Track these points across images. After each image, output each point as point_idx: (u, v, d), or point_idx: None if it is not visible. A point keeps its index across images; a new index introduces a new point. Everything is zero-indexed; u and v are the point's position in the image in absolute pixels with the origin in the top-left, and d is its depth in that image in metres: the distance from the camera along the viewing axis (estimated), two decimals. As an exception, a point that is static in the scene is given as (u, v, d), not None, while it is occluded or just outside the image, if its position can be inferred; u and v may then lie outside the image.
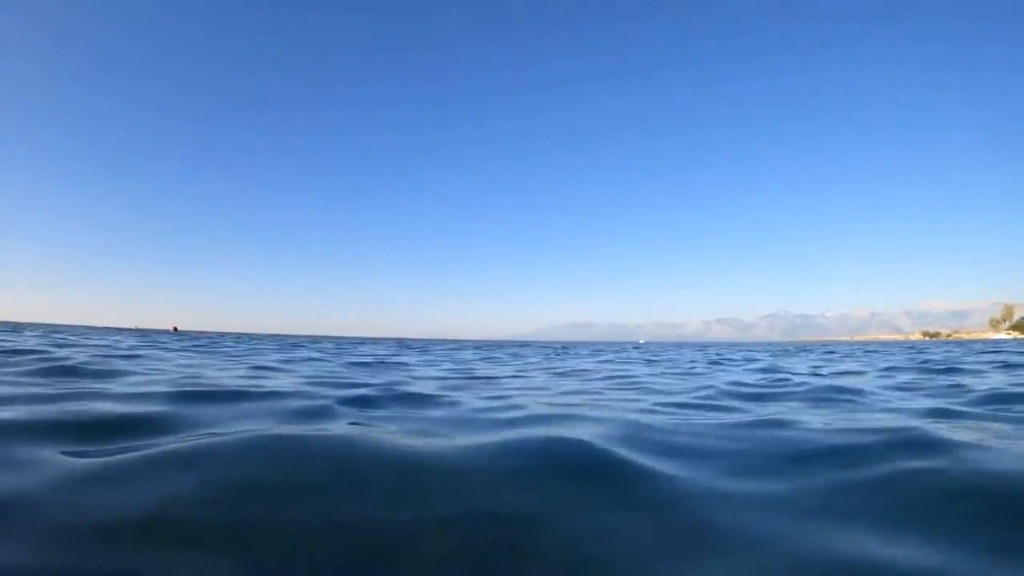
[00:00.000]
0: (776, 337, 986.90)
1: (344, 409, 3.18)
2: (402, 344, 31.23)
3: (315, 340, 35.55)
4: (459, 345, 33.87)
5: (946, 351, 17.96)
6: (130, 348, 10.07)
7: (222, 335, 47.49)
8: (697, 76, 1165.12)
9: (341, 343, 26.95)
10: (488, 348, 24.21)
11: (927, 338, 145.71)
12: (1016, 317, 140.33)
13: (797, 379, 5.87)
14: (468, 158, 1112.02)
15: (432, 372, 6.90)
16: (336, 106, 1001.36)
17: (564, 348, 26.60)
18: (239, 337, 37.03)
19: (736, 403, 3.87)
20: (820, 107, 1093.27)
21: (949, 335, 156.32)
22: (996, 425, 2.79)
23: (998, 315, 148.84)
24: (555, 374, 6.97)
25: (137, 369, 5.45)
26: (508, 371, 7.43)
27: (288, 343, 22.94)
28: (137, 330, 66.54)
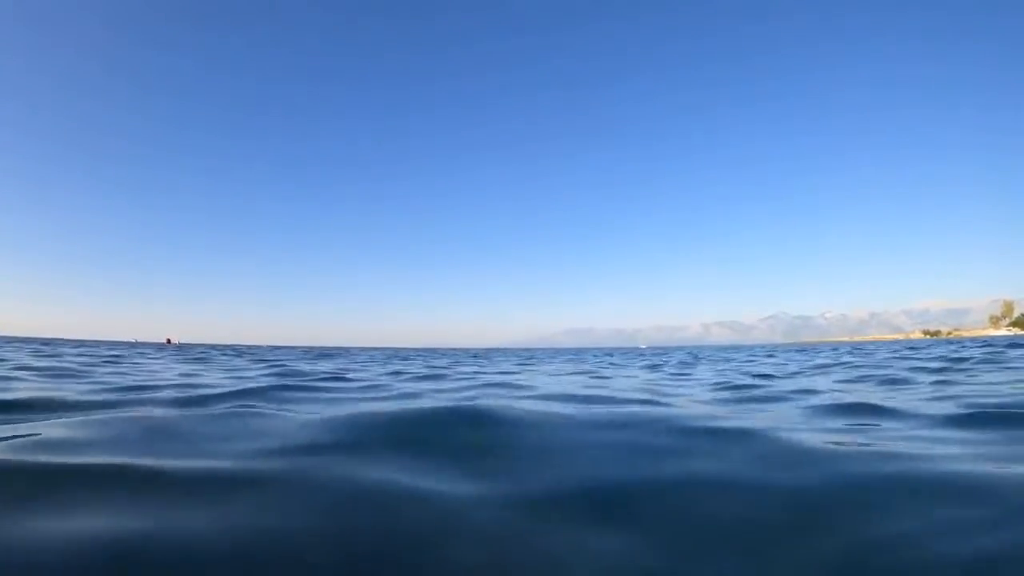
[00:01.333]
0: (777, 339, 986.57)
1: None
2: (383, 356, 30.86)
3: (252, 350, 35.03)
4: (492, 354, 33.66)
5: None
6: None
7: (213, 347, 47.03)
8: (691, 77, 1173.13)
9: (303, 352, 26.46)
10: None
11: (927, 336, 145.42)
12: (1016, 313, 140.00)
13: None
14: (461, 162, 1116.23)
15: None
16: (336, 111, 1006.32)
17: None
18: (233, 349, 36.55)
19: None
20: (816, 107, 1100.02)
21: (949, 333, 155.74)
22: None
23: (998, 312, 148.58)
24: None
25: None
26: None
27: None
28: (137, 343, 65.87)
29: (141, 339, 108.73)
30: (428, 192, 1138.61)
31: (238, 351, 26.07)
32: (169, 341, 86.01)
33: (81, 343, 42.65)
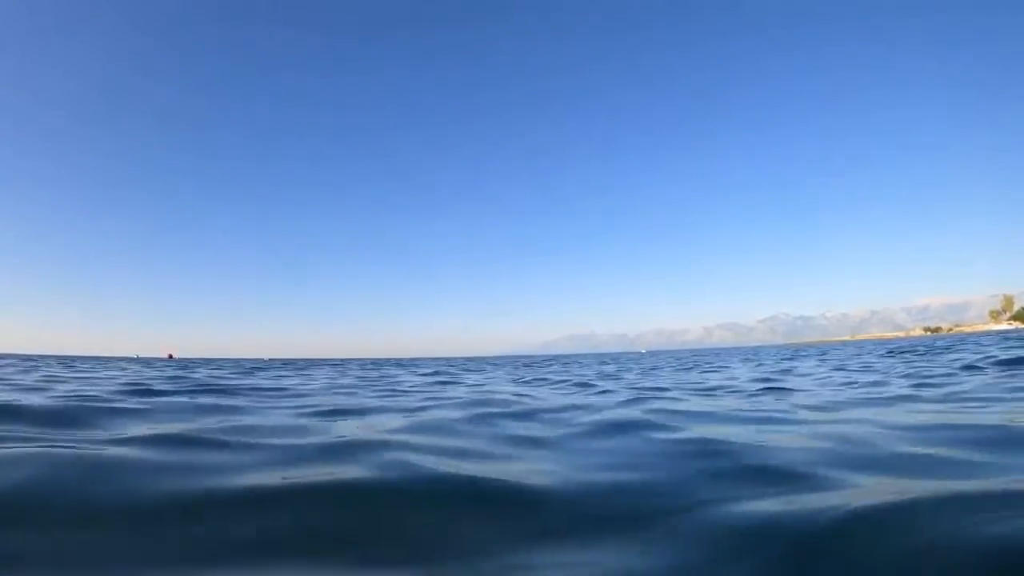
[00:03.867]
0: (778, 340, 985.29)
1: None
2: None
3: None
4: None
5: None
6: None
7: (209, 360, 46.94)
8: (690, 82, 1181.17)
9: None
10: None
11: (928, 333, 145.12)
12: (1016, 307, 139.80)
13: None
14: (461, 166, 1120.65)
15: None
16: (342, 118, 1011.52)
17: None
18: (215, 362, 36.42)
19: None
20: (814, 108, 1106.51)
21: (950, 329, 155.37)
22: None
23: (998, 306, 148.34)
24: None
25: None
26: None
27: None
28: (139, 359, 65.61)
29: (143, 354, 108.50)
30: (427, 195, 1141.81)
31: (217, 362, 25.97)
32: (171, 356, 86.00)
33: (75, 359, 42.48)
